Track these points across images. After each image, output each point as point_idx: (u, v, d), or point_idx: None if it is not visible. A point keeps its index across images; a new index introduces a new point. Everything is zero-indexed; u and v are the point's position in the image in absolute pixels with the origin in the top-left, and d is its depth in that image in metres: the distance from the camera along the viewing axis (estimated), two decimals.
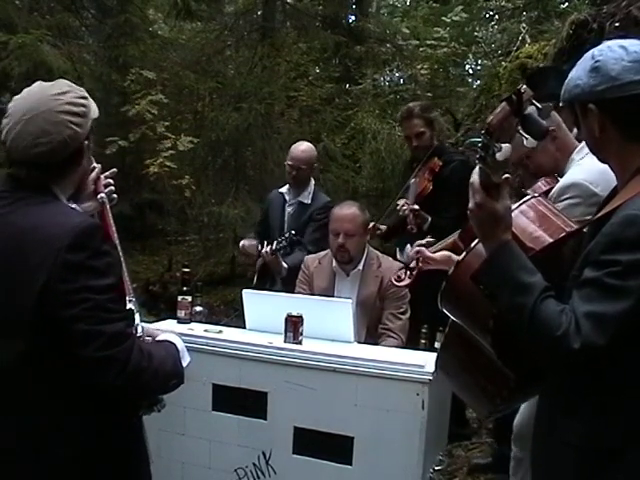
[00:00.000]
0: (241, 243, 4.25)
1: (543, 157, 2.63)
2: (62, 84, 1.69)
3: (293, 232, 3.83)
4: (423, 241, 2.51)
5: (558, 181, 2.59)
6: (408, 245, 3.96)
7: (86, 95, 1.70)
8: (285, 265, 3.81)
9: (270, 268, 3.89)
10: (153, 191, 7.96)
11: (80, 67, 7.15)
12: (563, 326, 1.36)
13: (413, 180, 3.99)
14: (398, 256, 4.00)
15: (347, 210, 3.46)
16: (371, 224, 3.94)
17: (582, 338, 1.34)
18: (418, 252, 2.38)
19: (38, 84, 1.71)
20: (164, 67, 7.89)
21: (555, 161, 2.63)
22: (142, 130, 6.79)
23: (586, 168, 2.29)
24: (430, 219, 3.77)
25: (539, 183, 2.73)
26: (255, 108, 7.47)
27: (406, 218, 3.84)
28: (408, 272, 2.53)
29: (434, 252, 2.33)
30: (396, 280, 2.62)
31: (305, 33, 8.73)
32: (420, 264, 2.42)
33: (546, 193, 2.60)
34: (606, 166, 1.99)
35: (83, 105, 1.66)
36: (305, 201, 4.09)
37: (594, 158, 2.29)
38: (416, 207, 3.77)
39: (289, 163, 4.10)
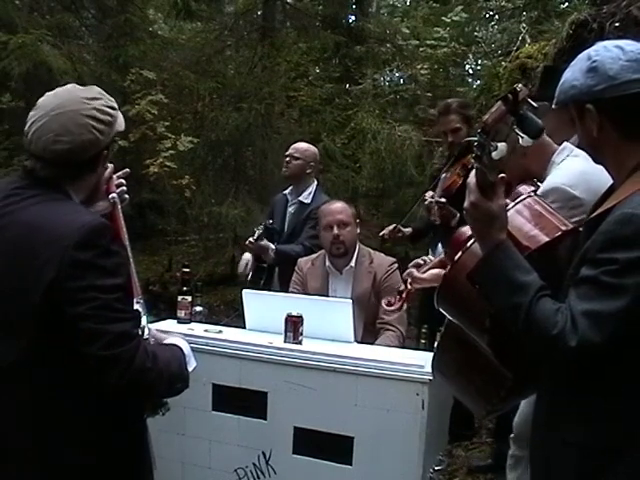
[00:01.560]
0: (242, 257, 4.29)
1: (514, 171, 2.62)
2: (95, 91, 1.71)
3: (270, 221, 4.03)
4: (419, 260, 2.53)
5: (537, 185, 2.59)
6: (439, 244, 3.95)
7: (116, 106, 1.72)
8: (272, 246, 3.92)
9: (260, 256, 4.00)
10: (153, 191, 7.96)
11: (80, 67, 7.13)
12: (559, 325, 1.36)
13: (444, 175, 3.97)
14: (430, 256, 3.99)
15: (336, 204, 3.60)
16: (391, 227, 3.96)
17: (579, 336, 1.34)
18: (408, 274, 2.41)
19: (72, 85, 1.74)
20: (164, 67, 7.88)
21: (527, 171, 2.62)
22: (142, 130, 6.78)
23: (565, 172, 2.29)
24: (459, 215, 3.72)
25: (519, 189, 2.72)
26: (255, 108, 7.47)
27: (433, 222, 3.82)
28: (398, 296, 2.58)
29: (424, 272, 2.35)
30: (387, 305, 2.66)
31: (305, 33, 8.72)
32: (409, 286, 2.45)
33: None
34: (586, 168, 2.00)
35: (110, 115, 1.68)
36: (305, 201, 4.15)
37: (574, 160, 2.30)
38: (442, 200, 3.72)
39: (285, 154, 4.20)
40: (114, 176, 1.91)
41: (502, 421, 3.22)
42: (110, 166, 1.86)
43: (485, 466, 3.59)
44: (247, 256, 4.21)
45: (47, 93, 1.70)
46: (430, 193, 3.88)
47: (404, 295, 2.55)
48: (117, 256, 1.59)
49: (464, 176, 3.83)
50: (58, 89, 1.70)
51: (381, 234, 4.18)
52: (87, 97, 1.66)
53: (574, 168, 2.26)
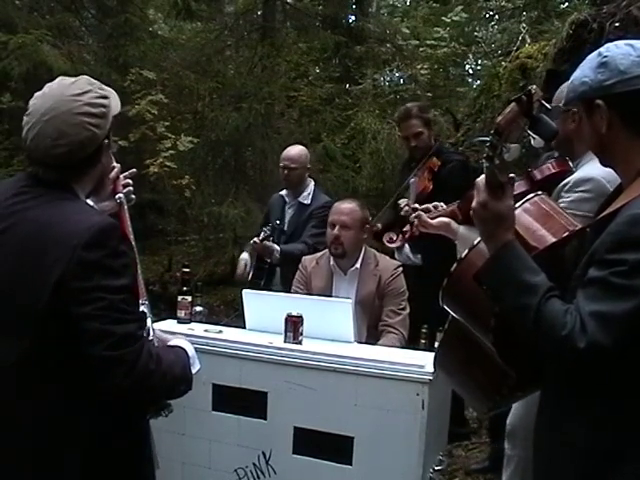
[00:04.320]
0: (240, 257, 4.28)
1: (562, 137, 2.58)
2: (83, 82, 1.67)
3: (277, 222, 3.98)
4: (429, 205, 2.47)
5: (568, 165, 2.58)
6: (406, 245, 3.95)
7: (106, 94, 1.68)
8: (277, 247, 3.91)
9: (264, 257, 3.99)
10: (153, 191, 7.96)
11: (80, 67, 7.12)
12: (568, 326, 1.35)
13: (413, 180, 3.99)
14: (396, 256, 4.00)
15: (346, 204, 3.52)
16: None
17: (588, 338, 1.33)
18: (417, 216, 2.35)
19: (59, 80, 1.69)
20: (164, 67, 7.90)
21: (570, 142, 2.58)
22: (142, 130, 6.79)
23: None
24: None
25: (547, 164, 2.72)
26: (255, 108, 7.48)
27: (403, 217, 3.81)
28: (400, 235, 2.53)
29: (432, 217, 2.30)
30: (388, 242, 2.62)
31: (305, 33, 8.75)
32: (414, 228, 2.40)
33: (551, 176, 2.59)
34: None
35: (102, 105, 1.65)
36: (305, 202, 4.14)
37: None
38: (417, 206, 3.73)
39: (280, 165, 4.18)
40: (121, 176, 1.90)
41: (497, 422, 3.22)
42: (117, 166, 1.85)
43: (482, 468, 3.59)
44: (245, 256, 4.19)
45: (36, 94, 1.66)
46: (405, 201, 3.88)
47: (407, 236, 2.50)
48: (125, 257, 1.58)
49: (433, 179, 3.87)
50: (46, 88, 1.67)
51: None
52: (76, 93, 1.62)
53: None
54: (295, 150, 4.24)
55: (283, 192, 4.27)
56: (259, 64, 8.11)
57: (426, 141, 3.99)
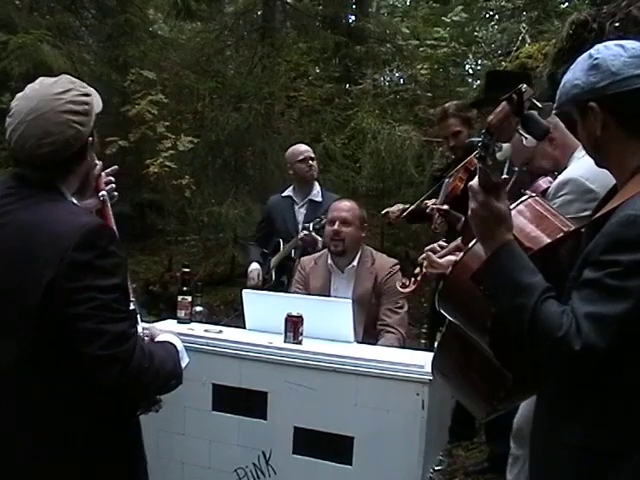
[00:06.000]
0: (250, 268, 4.26)
1: (542, 159, 2.65)
2: (64, 81, 1.68)
3: (323, 217, 3.85)
4: (435, 245, 2.50)
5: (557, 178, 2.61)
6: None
7: (88, 91, 1.69)
8: (319, 238, 3.89)
9: (309, 247, 3.95)
10: (153, 191, 7.95)
11: (80, 67, 7.14)
12: (564, 327, 1.35)
13: (447, 180, 3.93)
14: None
15: (345, 202, 3.62)
16: (398, 212, 3.99)
17: (583, 339, 1.33)
18: (425, 258, 2.37)
19: (40, 81, 1.70)
20: (164, 67, 7.90)
21: (554, 161, 2.64)
22: (142, 130, 6.79)
23: (584, 164, 2.28)
24: (464, 218, 3.69)
25: (540, 182, 2.75)
26: (255, 108, 7.48)
27: (430, 215, 3.80)
28: (413, 278, 2.54)
29: (440, 257, 2.32)
30: (401, 287, 2.64)
31: (305, 33, 8.74)
32: (425, 269, 2.42)
33: (544, 192, 2.61)
34: None
35: (85, 103, 1.66)
36: (317, 199, 4.17)
37: None
38: (444, 207, 3.68)
39: (301, 158, 4.17)
40: (103, 173, 1.91)
41: (493, 423, 3.22)
42: (99, 163, 1.86)
43: (481, 469, 3.59)
44: (255, 266, 4.21)
45: (17, 95, 1.66)
46: (432, 200, 3.85)
47: (419, 278, 2.52)
48: (115, 256, 1.59)
49: (466, 179, 3.81)
50: (27, 89, 1.67)
51: (384, 211, 4.14)
52: (59, 92, 1.63)
53: (593, 163, 2.27)
54: (306, 145, 4.33)
55: (287, 193, 4.27)
56: (259, 64, 8.11)
57: (465, 140, 3.89)
